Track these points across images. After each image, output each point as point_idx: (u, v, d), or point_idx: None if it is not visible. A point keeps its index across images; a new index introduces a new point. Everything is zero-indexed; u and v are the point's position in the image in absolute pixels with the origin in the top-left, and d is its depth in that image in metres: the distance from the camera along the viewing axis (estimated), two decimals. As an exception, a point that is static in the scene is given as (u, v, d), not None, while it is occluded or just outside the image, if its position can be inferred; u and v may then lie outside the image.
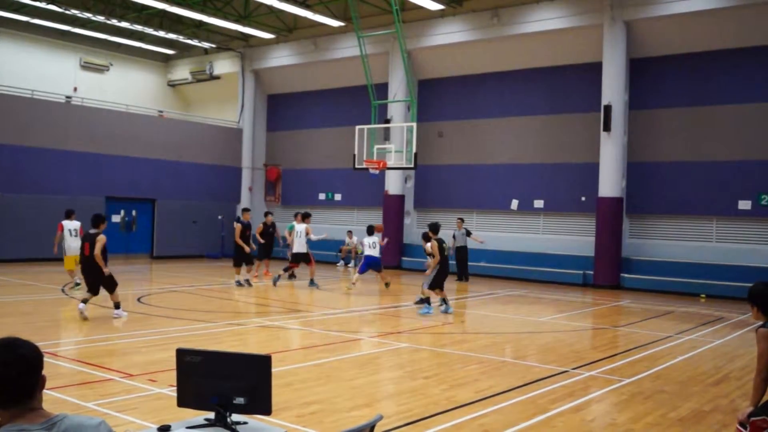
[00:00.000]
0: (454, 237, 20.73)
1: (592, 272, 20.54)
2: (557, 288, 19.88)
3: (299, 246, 17.82)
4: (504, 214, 23.40)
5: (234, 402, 3.97)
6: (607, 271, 20.17)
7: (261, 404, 4.05)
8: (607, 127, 20.03)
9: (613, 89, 20.15)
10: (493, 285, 20.03)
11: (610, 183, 20.21)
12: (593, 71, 20.93)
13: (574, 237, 21.96)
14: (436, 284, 13.78)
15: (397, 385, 8.13)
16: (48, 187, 22.96)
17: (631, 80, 20.77)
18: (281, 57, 27.85)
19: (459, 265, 20.77)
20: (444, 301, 13.83)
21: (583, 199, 21.49)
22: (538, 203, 22.54)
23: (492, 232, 23.44)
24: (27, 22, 24.97)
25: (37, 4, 23.03)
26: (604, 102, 20.13)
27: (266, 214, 19.52)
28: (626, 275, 20.13)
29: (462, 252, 20.95)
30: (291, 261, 18.27)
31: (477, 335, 11.53)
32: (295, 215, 18.44)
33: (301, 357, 9.28)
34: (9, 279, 17.53)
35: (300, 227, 17.91)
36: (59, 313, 12.65)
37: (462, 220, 21.55)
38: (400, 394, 7.54)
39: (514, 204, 22.96)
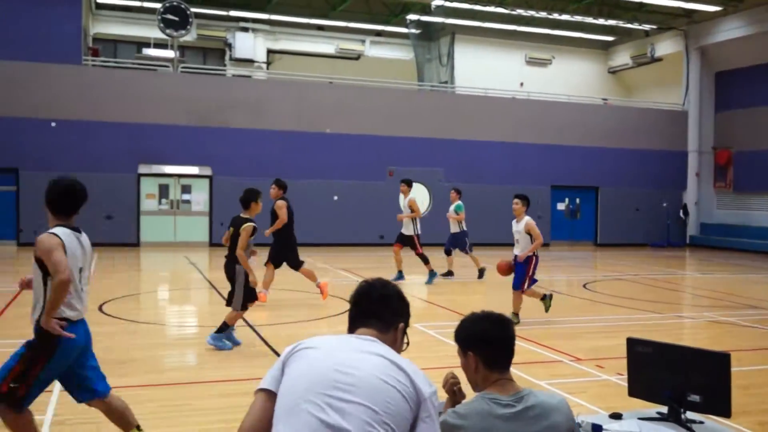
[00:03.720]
0: None
1: None
2: None
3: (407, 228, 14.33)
4: None
5: (688, 399, 3.84)
6: None
7: (718, 405, 3.84)
8: None
9: None
10: None
11: None
12: None
13: None
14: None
15: None
16: (490, 177, 24.77)
17: None
18: (730, 30, 25.59)
19: None
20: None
21: None
22: None
23: None
24: (480, 27, 27.23)
25: (488, 9, 24.97)
26: None
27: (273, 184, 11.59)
28: None
29: None
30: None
31: None
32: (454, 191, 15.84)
33: (759, 359, 8.48)
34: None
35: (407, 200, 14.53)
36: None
37: None
38: None
39: None
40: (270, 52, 27.65)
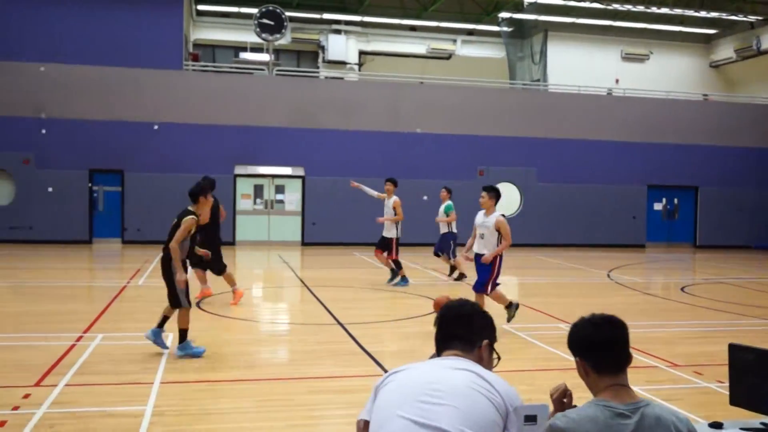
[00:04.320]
0: None
1: None
2: None
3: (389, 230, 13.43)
4: None
5: (796, 409, 3.66)
6: None
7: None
8: None
9: None
10: None
11: None
12: None
13: None
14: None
15: None
16: (584, 177, 24.21)
17: None
18: None
19: None
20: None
21: None
22: None
23: None
24: (573, 23, 26.68)
25: (583, 4, 24.43)
26: None
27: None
28: None
29: None
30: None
31: None
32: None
33: None
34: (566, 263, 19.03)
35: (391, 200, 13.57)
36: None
37: None
38: None
39: None
40: (362, 53, 27.97)
